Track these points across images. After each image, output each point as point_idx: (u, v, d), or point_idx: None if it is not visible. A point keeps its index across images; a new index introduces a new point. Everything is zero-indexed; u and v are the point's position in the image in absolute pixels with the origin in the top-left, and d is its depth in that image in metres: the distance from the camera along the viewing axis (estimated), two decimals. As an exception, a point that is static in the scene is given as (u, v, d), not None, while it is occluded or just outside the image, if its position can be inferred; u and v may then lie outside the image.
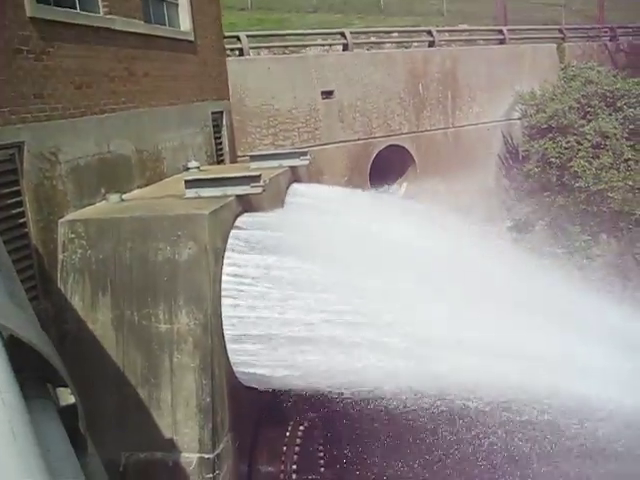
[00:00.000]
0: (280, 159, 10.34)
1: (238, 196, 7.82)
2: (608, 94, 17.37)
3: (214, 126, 11.42)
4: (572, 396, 7.02)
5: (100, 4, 8.07)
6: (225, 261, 7.28)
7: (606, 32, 21.47)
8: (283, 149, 12.36)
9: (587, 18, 23.92)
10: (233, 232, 7.52)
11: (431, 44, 16.98)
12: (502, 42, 18.75)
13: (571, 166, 16.31)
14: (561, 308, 7.88)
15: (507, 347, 6.98)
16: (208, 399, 7.02)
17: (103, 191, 7.90)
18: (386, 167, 15.36)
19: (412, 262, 7.46)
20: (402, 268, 7.18)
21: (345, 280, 7.25)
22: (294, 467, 8.19)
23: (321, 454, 8.97)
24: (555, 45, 19.32)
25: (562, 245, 16.24)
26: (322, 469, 8.90)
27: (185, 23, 10.51)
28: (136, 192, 8.61)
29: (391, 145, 15.42)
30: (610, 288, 14.77)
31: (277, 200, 9.60)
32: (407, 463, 9.19)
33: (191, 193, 7.85)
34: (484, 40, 19.69)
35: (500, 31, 19.04)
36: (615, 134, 16.62)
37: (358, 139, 14.84)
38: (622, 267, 16.61)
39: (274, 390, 7.70)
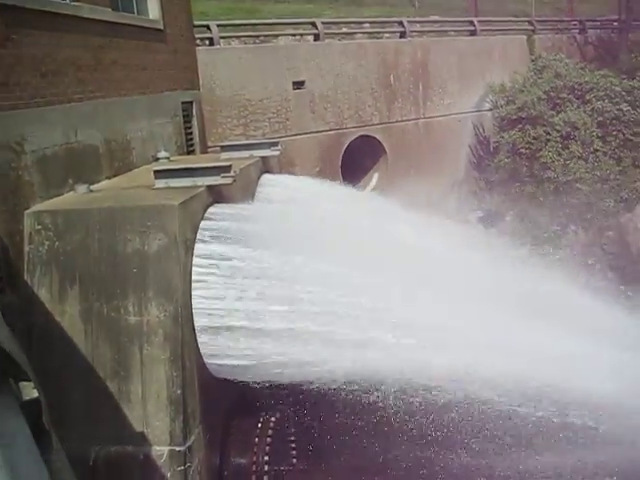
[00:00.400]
0: (251, 149, 10.28)
1: (209, 187, 7.75)
2: (577, 86, 17.55)
3: (184, 116, 11.30)
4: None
5: (66, -9, 7.92)
6: (195, 252, 7.23)
7: (575, 25, 21.68)
8: (254, 139, 12.29)
9: (557, 11, 24.13)
10: (203, 223, 7.45)
11: (402, 35, 16.99)
12: (473, 33, 18.83)
13: (540, 157, 16.48)
14: (523, 297, 7.98)
15: (455, 335, 7.09)
16: (179, 391, 6.96)
17: (71, 182, 7.77)
18: (358, 158, 15.37)
19: (380, 253, 7.49)
20: (370, 259, 7.21)
21: (315, 272, 7.25)
22: (266, 458, 8.18)
23: (293, 445, 8.97)
24: (525, 37, 19.47)
25: (531, 235, 16.40)
26: (294, 460, 8.91)
27: (154, 11, 10.36)
28: (105, 183, 8.48)
29: (362, 136, 15.42)
30: (577, 278, 14.98)
31: (248, 191, 9.54)
32: (380, 453, 9.24)
33: (161, 184, 7.76)
34: (455, 31, 19.76)
35: (471, 22, 19.12)
36: (585, 124, 16.80)
37: (330, 130, 14.82)
38: (590, 257, 16.83)
39: (245, 382, 7.69)
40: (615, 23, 21.25)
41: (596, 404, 7.72)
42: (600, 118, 17.09)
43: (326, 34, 15.70)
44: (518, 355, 7.23)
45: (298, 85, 14.29)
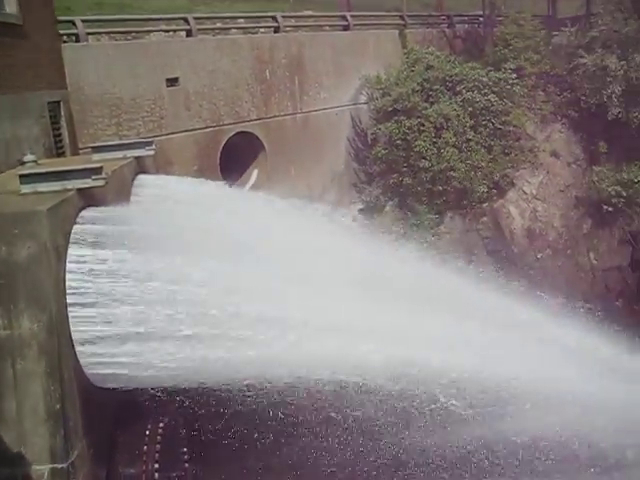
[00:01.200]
0: (124, 150, 9.99)
1: (79, 190, 7.44)
2: (448, 78, 18.14)
3: (51, 117, 10.79)
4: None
5: None
6: (68, 259, 6.93)
7: (444, 20, 22.41)
8: (127, 139, 11.90)
9: (426, 6, 24.82)
10: (76, 228, 7.16)
11: (277, 30, 16.95)
12: (346, 28, 19.06)
13: (416, 147, 16.92)
14: (405, 285, 8.21)
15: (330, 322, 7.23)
16: (58, 405, 6.68)
17: None
18: (237, 155, 15.23)
19: (259, 251, 7.48)
20: (250, 258, 7.18)
21: (197, 273, 7.14)
22: (156, 466, 8.01)
23: (184, 450, 8.82)
24: (397, 31, 19.91)
25: (411, 224, 16.84)
26: (186, 465, 8.77)
27: (11, 5, 9.78)
28: (-35, 190, 7.97)
29: (240, 132, 15.28)
30: (456, 263, 15.54)
31: (123, 193, 9.27)
32: (274, 457, 9.27)
33: (27, 188, 7.38)
34: (329, 26, 19.94)
35: (344, 17, 19.35)
36: (455, 116, 17.41)
37: (206, 127, 14.57)
38: (467, 243, 17.52)
39: (130, 389, 7.46)
40: (481, 18, 22.12)
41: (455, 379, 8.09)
42: (471, 108, 17.75)
43: (199, 30, 15.42)
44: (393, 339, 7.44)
45: (172, 82, 13.95)
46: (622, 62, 18.41)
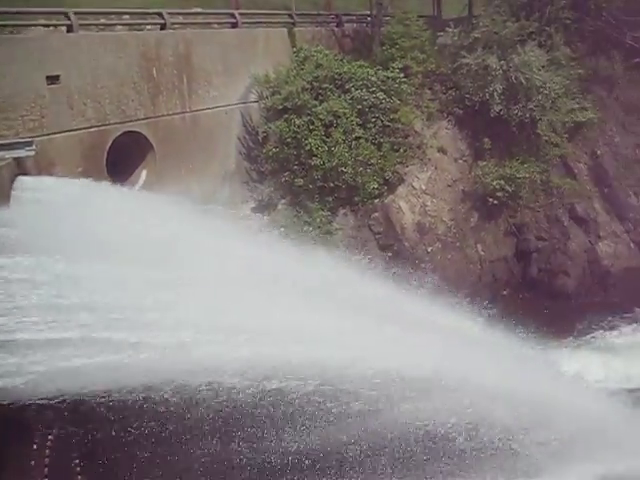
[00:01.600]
0: (2, 150, 9.56)
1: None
2: (337, 77, 18.38)
3: None
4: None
5: None
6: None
7: (333, 19, 22.64)
8: (4, 139, 11.33)
9: (315, 5, 25.00)
10: (-55, 233, 6.76)
11: (163, 27, 16.61)
12: (235, 26, 18.91)
13: (306, 145, 17.03)
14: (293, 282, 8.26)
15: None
16: None
17: None
18: (125, 155, 14.83)
19: (147, 252, 7.32)
20: (136, 260, 7.02)
21: (83, 276, 6.91)
22: (45, 480, 7.71)
23: (77, 461, 8.54)
24: (286, 30, 19.94)
25: (303, 222, 16.92)
26: (79, 477, 8.51)
27: None
28: None
29: (128, 132, 14.86)
30: (351, 258, 15.80)
31: (1, 195, 8.86)
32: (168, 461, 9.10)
33: None
34: (218, 24, 19.71)
35: (232, 15, 19.18)
36: (345, 114, 17.64)
37: (91, 127, 14.06)
38: (359, 238, 17.80)
39: (14, 403, 7.11)
40: (369, 18, 22.48)
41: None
42: (359, 106, 18.04)
43: (82, 25, 14.86)
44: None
45: (53, 80, 13.36)
46: (502, 62, 19.24)
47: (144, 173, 15.47)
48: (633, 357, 16.31)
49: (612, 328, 17.74)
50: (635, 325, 17.88)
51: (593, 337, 17.31)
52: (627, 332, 17.64)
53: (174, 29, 17.00)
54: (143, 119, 15.26)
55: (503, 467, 10.23)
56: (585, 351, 16.70)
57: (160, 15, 16.71)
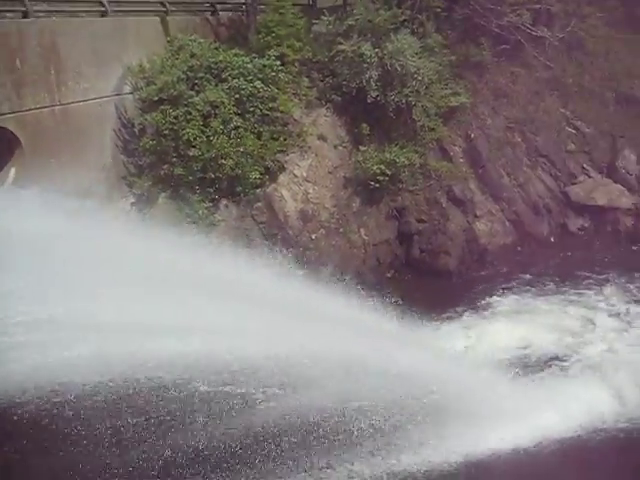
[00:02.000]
0: None
1: None
2: (213, 66, 18.09)
3: None
4: None
5: None
6: None
7: (207, 7, 22.26)
8: None
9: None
10: None
11: (25, 15, 15.78)
12: (104, 14, 18.24)
13: (184, 136, 16.73)
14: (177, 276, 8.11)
15: None
16: None
17: None
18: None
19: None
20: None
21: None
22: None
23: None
24: (159, 18, 19.45)
25: (185, 214, 16.65)
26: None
27: None
28: None
29: (-8, 128, 14.11)
30: (235, 249, 15.70)
31: None
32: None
33: None
34: (86, 12, 18.95)
35: (101, 3, 18.48)
36: (223, 103, 17.43)
37: (-54, 123, 13.27)
38: (243, 229, 17.70)
39: None
40: (244, 6, 22.27)
41: None
42: (237, 95, 17.86)
43: None
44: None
45: None
46: (376, 49, 19.57)
47: (13, 171, 14.75)
48: (514, 325, 17.11)
49: (492, 301, 18.53)
50: (514, 296, 18.78)
51: (475, 310, 18.00)
52: (507, 303, 18.49)
53: (38, 17, 16.19)
54: (8, 113, 14.46)
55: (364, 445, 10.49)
56: (468, 323, 17.33)
57: (21, 2, 15.86)
